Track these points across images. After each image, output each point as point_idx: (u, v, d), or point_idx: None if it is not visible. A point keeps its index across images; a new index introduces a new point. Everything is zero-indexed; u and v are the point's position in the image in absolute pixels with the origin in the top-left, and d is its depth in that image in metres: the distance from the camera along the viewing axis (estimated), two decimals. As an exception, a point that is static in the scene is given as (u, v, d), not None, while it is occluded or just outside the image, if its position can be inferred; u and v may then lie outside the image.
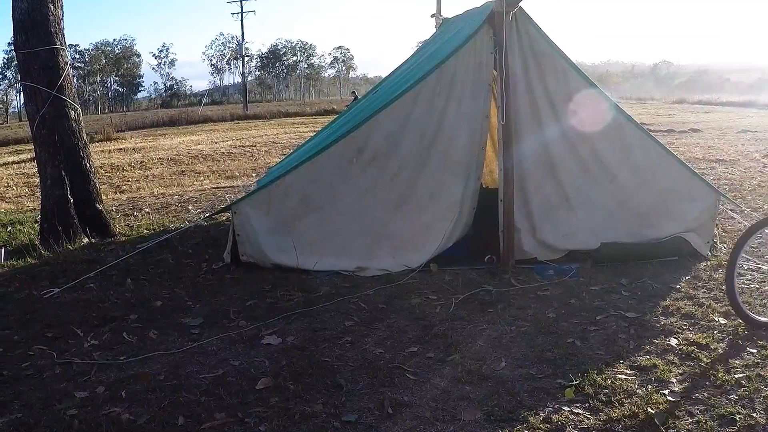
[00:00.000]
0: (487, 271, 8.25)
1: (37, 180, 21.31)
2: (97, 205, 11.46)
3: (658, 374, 5.46)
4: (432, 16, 11.77)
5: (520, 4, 8.30)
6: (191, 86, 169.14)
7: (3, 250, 10.61)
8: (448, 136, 8.47)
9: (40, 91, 10.93)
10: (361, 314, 7.00)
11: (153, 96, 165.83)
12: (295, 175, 8.57)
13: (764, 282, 7.30)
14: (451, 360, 5.82)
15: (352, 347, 6.18)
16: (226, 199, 14.40)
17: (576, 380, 5.34)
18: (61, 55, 11.21)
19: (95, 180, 11.57)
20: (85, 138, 11.51)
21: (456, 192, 8.51)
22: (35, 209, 15.15)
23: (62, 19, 11.33)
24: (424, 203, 8.48)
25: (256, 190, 9.24)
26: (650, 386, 5.26)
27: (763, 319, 6.44)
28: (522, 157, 8.51)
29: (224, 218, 11.44)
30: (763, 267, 7.42)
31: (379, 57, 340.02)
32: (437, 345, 6.12)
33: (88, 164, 11.36)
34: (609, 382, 5.34)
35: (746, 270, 7.64)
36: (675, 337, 6.19)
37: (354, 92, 51.03)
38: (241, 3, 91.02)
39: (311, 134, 31.48)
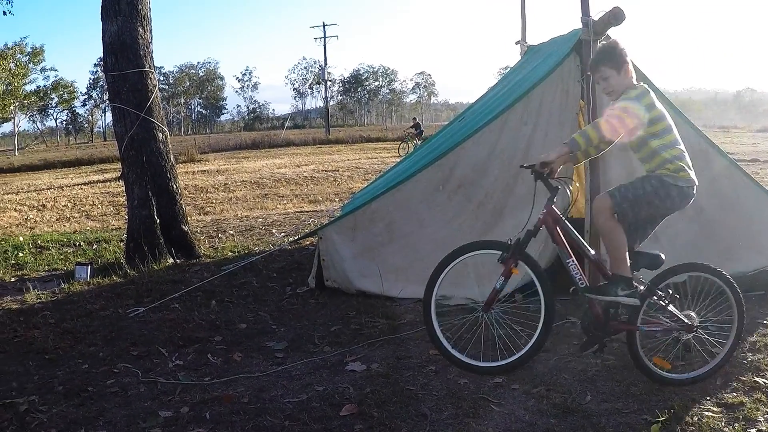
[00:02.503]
0: (572, 303, 8.07)
1: (122, 199, 21.77)
2: (183, 226, 11.63)
3: (746, 413, 5.31)
4: (517, 43, 11.71)
5: (608, 32, 8.24)
6: (273, 110, 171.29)
7: (89, 267, 10.78)
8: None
9: (128, 113, 11.13)
10: (446, 343, 6.92)
11: (236, 119, 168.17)
12: (380, 202, 8.59)
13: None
14: (537, 392, 5.74)
15: (436, 376, 6.13)
16: (310, 224, 14.48)
17: (662, 416, 5.23)
18: (150, 78, 11.41)
19: (181, 201, 11.77)
20: (172, 159, 11.69)
21: (542, 222, 8.43)
22: (120, 228, 15.40)
23: (151, 42, 11.56)
24: (510, 232, 8.38)
25: (341, 215, 9.29)
26: (737, 425, 5.12)
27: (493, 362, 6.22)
28: (608, 187, 8.42)
29: (308, 242, 11.51)
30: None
31: (461, 83, 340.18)
32: (522, 376, 6.04)
33: (174, 185, 11.53)
34: (696, 419, 5.21)
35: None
36: (763, 375, 6.03)
37: (415, 118, 50.95)
38: (324, 28, 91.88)
39: (394, 160, 31.64)
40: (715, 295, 5.98)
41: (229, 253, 11.89)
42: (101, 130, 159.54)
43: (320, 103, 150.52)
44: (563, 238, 5.98)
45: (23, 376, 6.83)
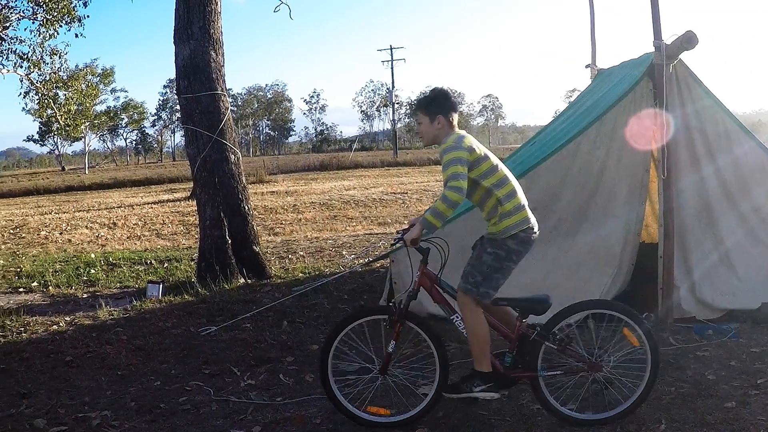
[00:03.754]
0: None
1: (192, 218, 22.03)
2: (254, 247, 11.75)
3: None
4: (587, 66, 11.67)
5: (680, 56, 8.19)
6: (341, 132, 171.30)
7: (161, 285, 10.94)
8: (609, 189, 8.37)
9: (201, 135, 11.29)
10: (518, 368, 6.88)
11: (303, 140, 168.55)
12: (453, 225, 8.55)
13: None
14: (611, 419, 5.71)
15: (509, 402, 6.12)
16: (380, 246, 14.52)
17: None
18: (222, 101, 11.57)
19: (252, 222, 11.92)
20: (244, 181, 11.83)
21: (616, 247, 8.37)
22: (191, 247, 15.57)
23: (223, 65, 11.72)
24: (583, 257, 8.35)
25: (414, 239, 9.27)
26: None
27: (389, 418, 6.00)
28: (681, 212, 8.35)
29: (378, 265, 11.53)
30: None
31: (528, 106, 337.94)
32: (595, 403, 5.97)
33: (246, 207, 11.67)
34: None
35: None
36: None
37: None
38: (392, 51, 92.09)
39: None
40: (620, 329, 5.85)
41: (300, 274, 11.97)
42: (170, 150, 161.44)
43: (388, 126, 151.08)
44: (443, 295, 6.03)
45: (96, 391, 6.98)
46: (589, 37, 11.31)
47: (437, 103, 5.77)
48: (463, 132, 5.76)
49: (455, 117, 5.83)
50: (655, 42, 8.13)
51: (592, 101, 9.97)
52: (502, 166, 5.77)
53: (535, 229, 5.73)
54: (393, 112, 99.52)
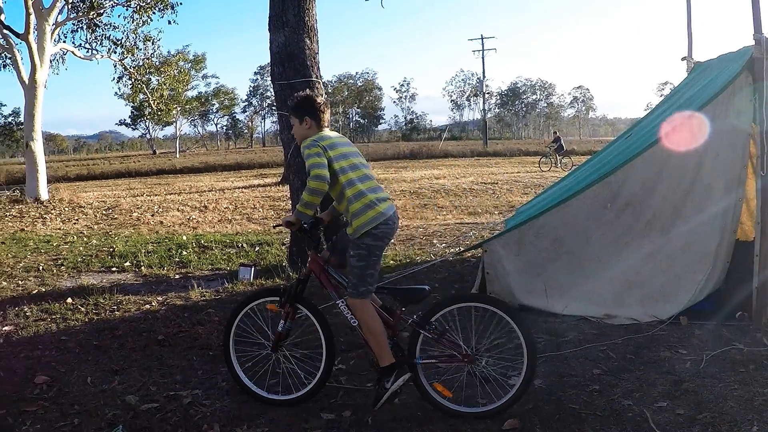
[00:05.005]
0: (738, 329, 7.85)
1: (282, 203, 22.29)
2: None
3: None
4: (683, 59, 11.46)
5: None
6: (431, 121, 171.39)
7: (252, 269, 11.09)
8: (705, 185, 8.22)
9: (295, 121, 11.36)
10: (609, 363, 6.86)
11: (393, 129, 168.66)
12: (547, 217, 8.58)
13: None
14: (702, 419, 5.62)
15: (599, 396, 6.08)
16: (471, 236, 14.49)
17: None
18: (317, 88, 11.59)
19: (344, 208, 11.84)
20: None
21: (710, 244, 8.20)
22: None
23: (317, 53, 11.74)
24: (677, 253, 8.24)
25: (507, 229, 9.30)
26: None
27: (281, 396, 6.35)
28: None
29: (469, 254, 11.50)
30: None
31: (619, 98, 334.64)
32: (687, 402, 5.92)
33: (339, 193, 11.67)
34: None
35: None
36: None
37: (556, 132, 50.23)
38: (482, 41, 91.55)
39: (554, 174, 31.31)
40: (502, 324, 5.91)
41: (391, 262, 12.02)
42: (260, 136, 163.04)
43: (477, 116, 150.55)
44: (330, 281, 6.33)
45: (187, 370, 7.14)
46: (685, 29, 11.13)
47: (304, 107, 6.21)
48: (326, 132, 6.21)
49: (324, 117, 6.25)
50: (756, 35, 7.98)
51: (689, 95, 9.81)
52: (355, 166, 6.09)
53: (392, 219, 6.00)
54: (483, 102, 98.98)
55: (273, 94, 12.41)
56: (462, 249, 12.18)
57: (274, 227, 6.26)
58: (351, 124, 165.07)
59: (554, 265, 8.51)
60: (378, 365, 5.89)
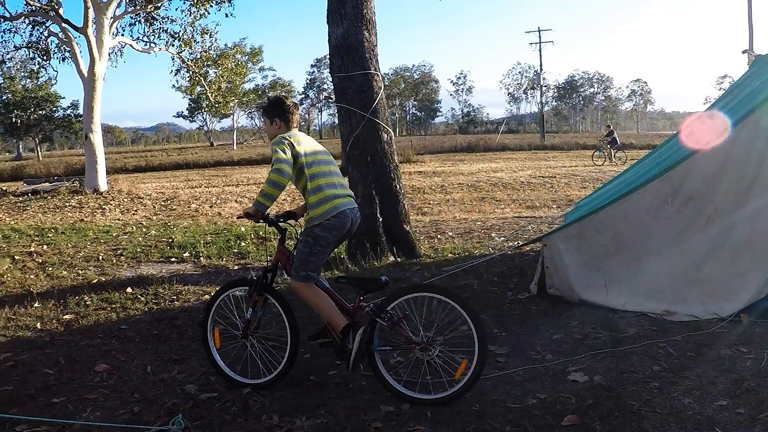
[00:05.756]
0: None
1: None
2: (405, 226, 11.81)
3: None
4: (743, 52, 11.31)
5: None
6: (488, 113, 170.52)
7: (310, 260, 11.12)
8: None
9: (354, 113, 11.42)
10: (669, 360, 6.74)
11: (450, 121, 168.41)
12: (607, 212, 8.49)
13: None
14: (762, 418, 5.48)
15: (659, 393, 5.99)
16: (529, 229, 14.40)
17: None
18: (375, 80, 11.65)
19: (404, 201, 11.95)
20: (396, 160, 11.90)
21: (775, 240, 8.08)
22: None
23: (376, 45, 11.77)
24: (740, 250, 8.08)
25: (567, 223, 9.21)
26: None
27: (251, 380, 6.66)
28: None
29: (528, 248, 11.46)
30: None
31: (677, 92, 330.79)
32: (748, 401, 5.81)
33: (398, 186, 11.74)
34: None
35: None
36: None
37: (609, 125, 49.67)
38: (539, 33, 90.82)
39: (612, 169, 31.05)
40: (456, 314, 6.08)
41: (449, 255, 11.95)
42: (317, 128, 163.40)
43: (534, 109, 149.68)
44: None
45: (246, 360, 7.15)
46: (746, 21, 10.98)
47: (274, 109, 6.81)
48: (294, 132, 6.74)
49: (293, 118, 6.81)
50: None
51: (751, 88, 9.65)
52: (319, 163, 6.59)
53: (344, 215, 6.46)
54: (541, 95, 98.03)
55: (332, 86, 12.47)
56: (521, 243, 12.12)
57: (237, 218, 6.71)
58: (408, 117, 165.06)
59: (614, 260, 8.41)
60: (338, 339, 6.30)
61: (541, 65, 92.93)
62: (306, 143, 6.59)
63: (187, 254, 13.15)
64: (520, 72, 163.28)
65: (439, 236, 14.19)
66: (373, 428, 5.49)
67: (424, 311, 6.24)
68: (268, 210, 6.44)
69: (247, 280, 7.00)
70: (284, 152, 6.29)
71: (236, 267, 12.16)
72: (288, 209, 6.98)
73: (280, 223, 6.74)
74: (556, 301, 8.63)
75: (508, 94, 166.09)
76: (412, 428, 5.44)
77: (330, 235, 6.40)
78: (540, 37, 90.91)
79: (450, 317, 6.19)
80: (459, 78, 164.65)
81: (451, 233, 14.50)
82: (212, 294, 7.57)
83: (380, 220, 11.52)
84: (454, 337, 6.26)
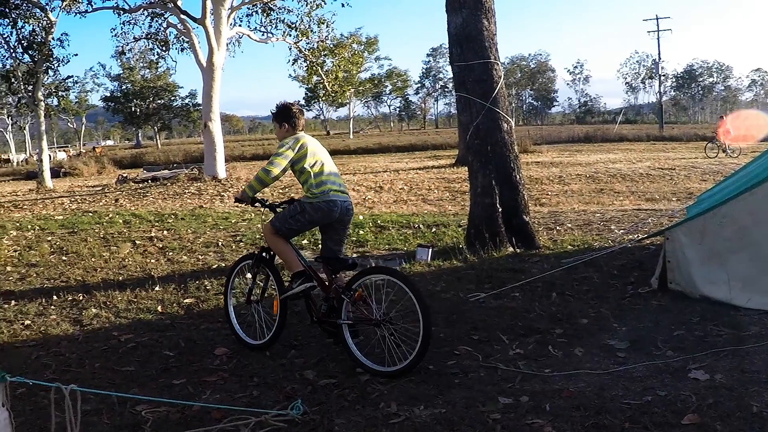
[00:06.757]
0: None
1: (457, 185, 22.35)
2: (524, 217, 11.74)
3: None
4: None
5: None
6: (605, 103, 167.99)
7: (430, 250, 11.18)
8: None
9: (474, 103, 11.41)
10: (794, 360, 6.54)
11: (566, 111, 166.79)
12: (732, 206, 8.24)
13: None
14: None
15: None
16: (649, 222, 14.16)
17: None
18: (495, 69, 11.64)
19: (523, 192, 11.86)
20: (515, 150, 11.87)
21: None
22: (457, 213, 15.76)
23: (495, 34, 11.73)
24: None
25: (689, 217, 9.00)
26: None
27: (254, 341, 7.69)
28: None
29: (648, 242, 11.25)
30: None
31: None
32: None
33: (517, 176, 11.69)
34: None
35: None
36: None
37: (722, 116, 48.17)
38: (657, 21, 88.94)
39: (733, 162, 30.37)
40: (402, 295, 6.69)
41: (569, 247, 11.84)
42: (433, 117, 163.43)
43: (652, 99, 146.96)
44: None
45: (366, 347, 7.20)
46: None
47: (281, 114, 7.85)
48: (300, 134, 7.79)
49: (298, 122, 7.89)
50: None
51: None
52: (322, 162, 7.65)
53: (336, 205, 7.47)
54: (659, 85, 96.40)
55: (447, 76, 12.51)
56: (642, 236, 11.92)
57: (234, 202, 7.47)
58: (524, 107, 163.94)
59: (738, 256, 8.17)
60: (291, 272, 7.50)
61: (659, 54, 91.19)
62: (310, 144, 7.64)
63: (305, 241, 13.30)
64: (637, 61, 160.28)
65: (557, 228, 14.07)
66: (491, 420, 5.46)
67: (387, 294, 6.87)
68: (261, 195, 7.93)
69: (251, 254, 8.12)
70: (284, 157, 7.46)
71: (355, 255, 12.26)
72: (292, 196, 7.86)
73: (277, 209, 7.86)
74: (676, 296, 8.46)
75: (626, 83, 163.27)
76: (531, 421, 5.39)
77: (316, 215, 7.46)
78: (658, 24, 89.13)
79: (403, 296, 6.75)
80: (576, 67, 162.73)
81: (570, 225, 14.36)
82: (230, 268, 8.58)
83: (499, 210, 11.46)
84: (413, 319, 6.60)
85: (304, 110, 8.00)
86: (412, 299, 6.44)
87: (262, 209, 8.12)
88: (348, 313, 6.97)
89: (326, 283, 7.33)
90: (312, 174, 7.47)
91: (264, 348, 7.53)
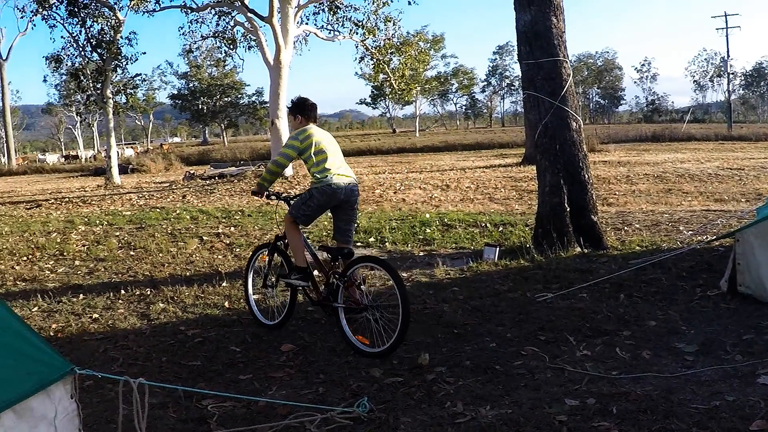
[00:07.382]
0: None
1: (524, 184, 22.29)
2: (592, 216, 11.68)
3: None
4: None
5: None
6: (672, 102, 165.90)
7: (497, 249, 11.19)
8: None
9: (542, 101, 11.41)
10: None
11: (634, 110, 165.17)
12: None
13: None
14: None
15: None
16: (718, 223, 13.97)
17: None
18: (564, 67, 11.61)
19: (592, 191, 11.81)
20: (584, 149, 11.84)
21: None
22: (524, 213, 15.71)
23: (564, 31, 11.70)
24: None
25: (761, 218, 8.82)
26: None
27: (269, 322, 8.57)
28: None
29: (717, 243, 11.11)
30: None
31: None
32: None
33: (586, 175, 11.64)
34: None
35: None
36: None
37: None
38: (726, 18, 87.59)
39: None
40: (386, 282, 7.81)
41: (637, 247, 11.71)
42: (499, 115, 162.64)
43: (721, 97, 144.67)
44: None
45: (432, 347, 7.32)
46: None
47: (297, 107, 8.61)
48: (311, 126, 8.52)
49: (311, 115, 8.62)
50: None
51: None
52: (325, 150, 8.31)
53: (340, 188, 8.19)
54: (728, 83, 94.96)
55: (514, 74, 12.50)
56: (711, 237, 11.78)
57: (252, 194, 9.00)
58: (591, 105, 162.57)
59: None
60: (294, 263, 8.33)
61: (728, 52, 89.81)
62: (318, 134, 8.38)
63: (372, 239, 13.37)
64: (706, 59, 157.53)
65: (625, 228, 13.95)
66: (557, 422, 5.44)
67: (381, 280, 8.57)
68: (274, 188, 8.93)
69: (266, 244, 9.02)
70: (293, 148, 8.30)
71: (421, 253, 12.31)
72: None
73: (290, 201, 8.63)
74: (746, 300, 8.34)
75: (694, 81, 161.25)
76: (597, 424, 5.36)
77: (322, 198, 8.16)
78: (726, 22, 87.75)
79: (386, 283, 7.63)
80: (643, 65, 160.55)
81: (637, 225, 14.20)
82: (250, 255, 9.23)
83: (567, 209, 11.43)
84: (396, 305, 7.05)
85: (317, 105, 8.83)
86: (394, 287, 7.02)
87: (277, 202, 9.19)
88: (342, 297, 7.67)
89: (326, 269, 8.15)
90: (315, 161, 8.19)
91: (278, 327, 8.41)
